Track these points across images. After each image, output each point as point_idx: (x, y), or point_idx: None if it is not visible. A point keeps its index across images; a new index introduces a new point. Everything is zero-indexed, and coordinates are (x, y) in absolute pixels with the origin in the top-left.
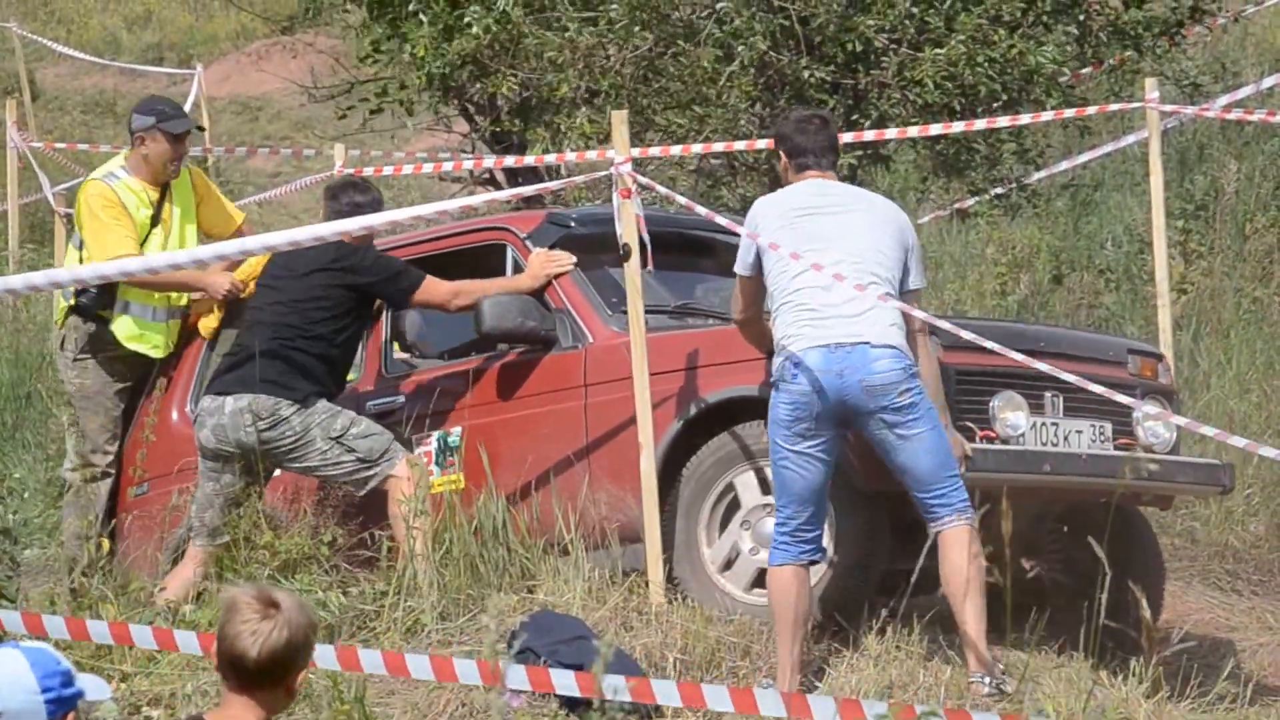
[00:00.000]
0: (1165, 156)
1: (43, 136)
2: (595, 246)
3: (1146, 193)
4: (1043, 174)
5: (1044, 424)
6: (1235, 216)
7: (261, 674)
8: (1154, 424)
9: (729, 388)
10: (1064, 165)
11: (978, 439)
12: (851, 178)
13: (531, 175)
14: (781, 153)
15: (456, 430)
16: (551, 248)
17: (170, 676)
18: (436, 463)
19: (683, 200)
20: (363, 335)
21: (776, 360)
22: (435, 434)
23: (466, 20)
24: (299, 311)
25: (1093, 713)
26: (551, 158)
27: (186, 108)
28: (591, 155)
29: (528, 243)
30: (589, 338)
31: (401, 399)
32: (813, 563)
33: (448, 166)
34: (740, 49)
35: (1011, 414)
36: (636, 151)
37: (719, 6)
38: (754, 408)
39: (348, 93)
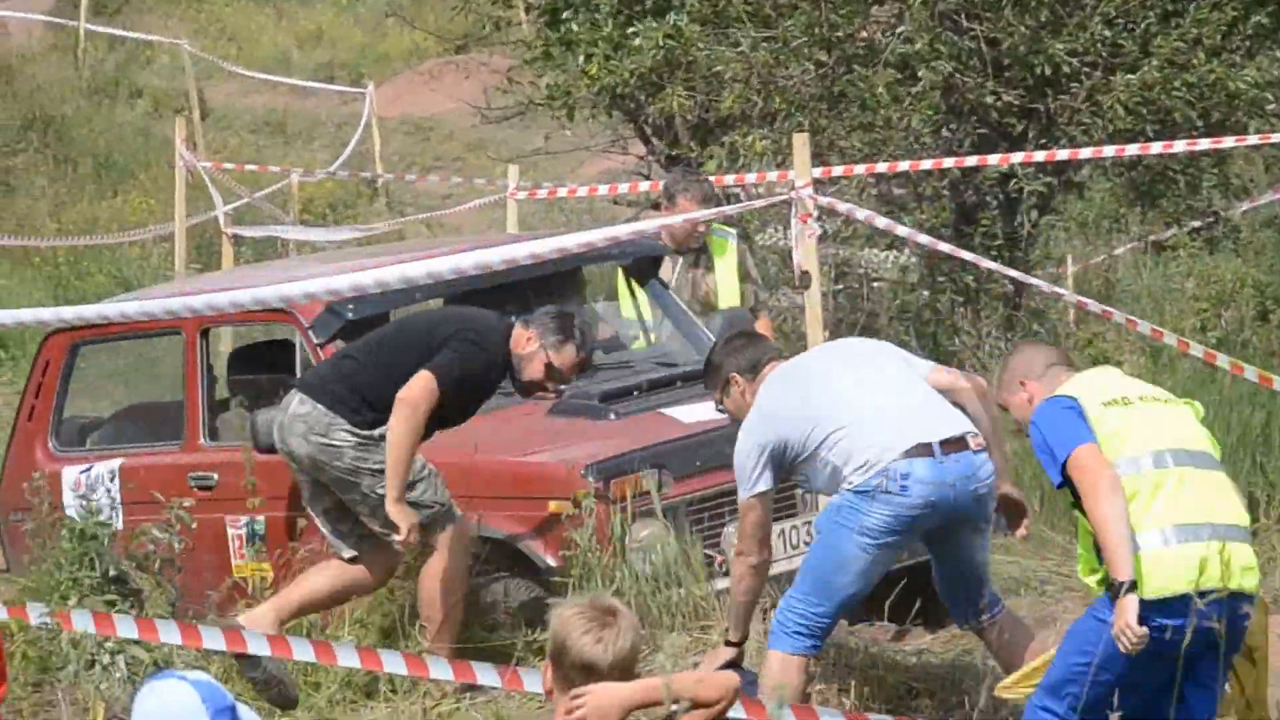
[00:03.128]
0: None
1: (211, 155)
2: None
3: None
4: (1246, 206)
5: (794, 527)
6: None
7: (612, 678)
8: None
9: None
10: (1269, 197)
11: (719, 567)
12: (1044, 207)
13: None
14: (733, 377)
15: (261, 520)
16: (333, 338)
17: (325, 709)
18: (247, 544)
19: (863, 215)
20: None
21: (872, 471)
22: (244, 519)
23: (636, 35)
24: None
25: None
26: (730, 179)
27: (359, 128)
28: (772, 176)
29: (311, 333)
30: None
31: (216, 477)
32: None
33: (623, 189)
34: (923, 71)
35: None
36: (818, 172)
37: (900, 31)
38: None
39: (522, 114)
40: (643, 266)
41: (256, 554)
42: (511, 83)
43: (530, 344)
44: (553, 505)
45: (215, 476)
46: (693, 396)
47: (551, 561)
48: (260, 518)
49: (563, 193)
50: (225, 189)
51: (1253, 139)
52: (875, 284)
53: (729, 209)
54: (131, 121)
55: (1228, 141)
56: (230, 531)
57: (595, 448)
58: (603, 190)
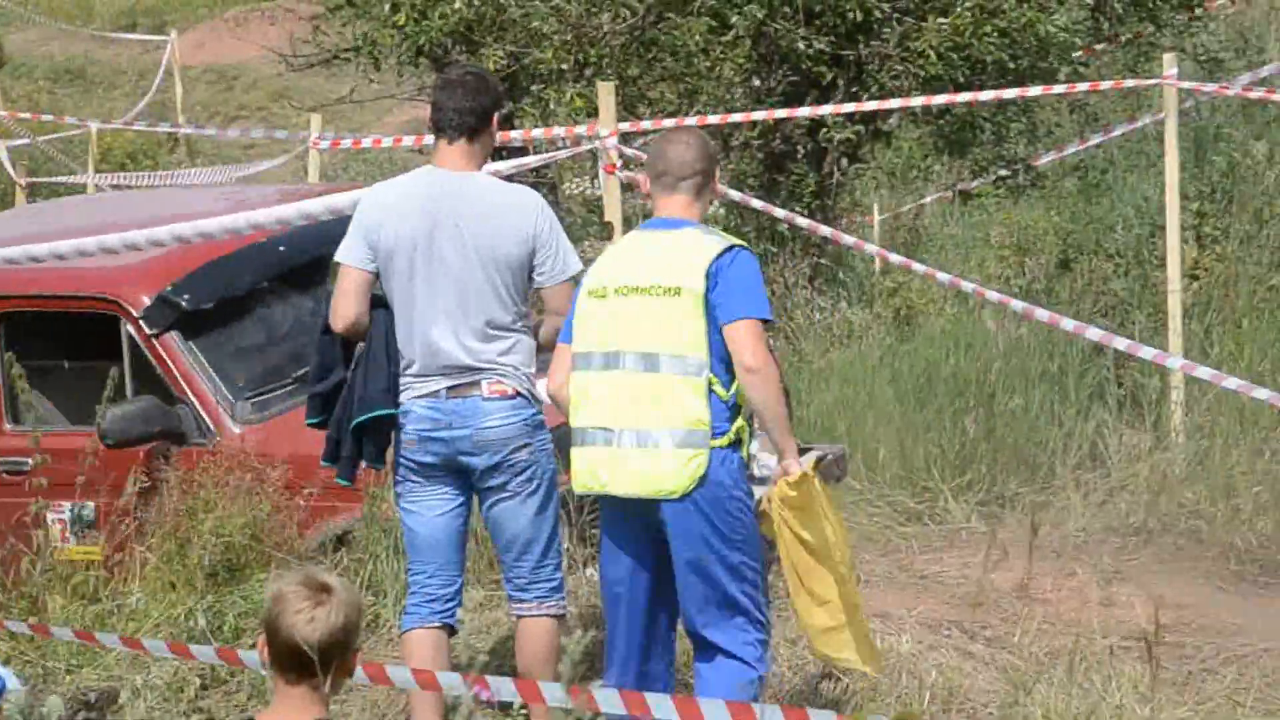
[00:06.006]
0: (1182, 136)
1: (8, 105)
2: (217, 322)
3: (1160, 174)
4: (1051, 156)
5: None
6: (1253, 200)
7: (323, 659)
8: (766, 456)
9: None
10: (1074, 148)
11: None
12: (852, 155)
13: (518, 151)
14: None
15: (91, 506)
16: (168, 328)
17: (114, 666)
18: (71, 532)
19: None
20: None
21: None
22: (68, 504)
23: None
24: None
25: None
26: (539, 133)
27: (158, 76)
28: (581, 130)
29: (143, 324)
30: (215, 434)
31: (31, 462)
32: (446, 625)
33: (429, 139)
34: (735, 18)
35: None
36: (626, 125)
37: None
38: None
39: (328, 63)
40: None
41: (83, 539)
42: (317, 31)
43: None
44: None
45: (29, 462)
46: None
47: None
48: (90, 503)
49: (367, 143)
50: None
51: (1059, 88)
52: None
53: (532, 159)
54: None
55: (1035, 90)
56: (51, 516)
57: None
58: (408, 141)
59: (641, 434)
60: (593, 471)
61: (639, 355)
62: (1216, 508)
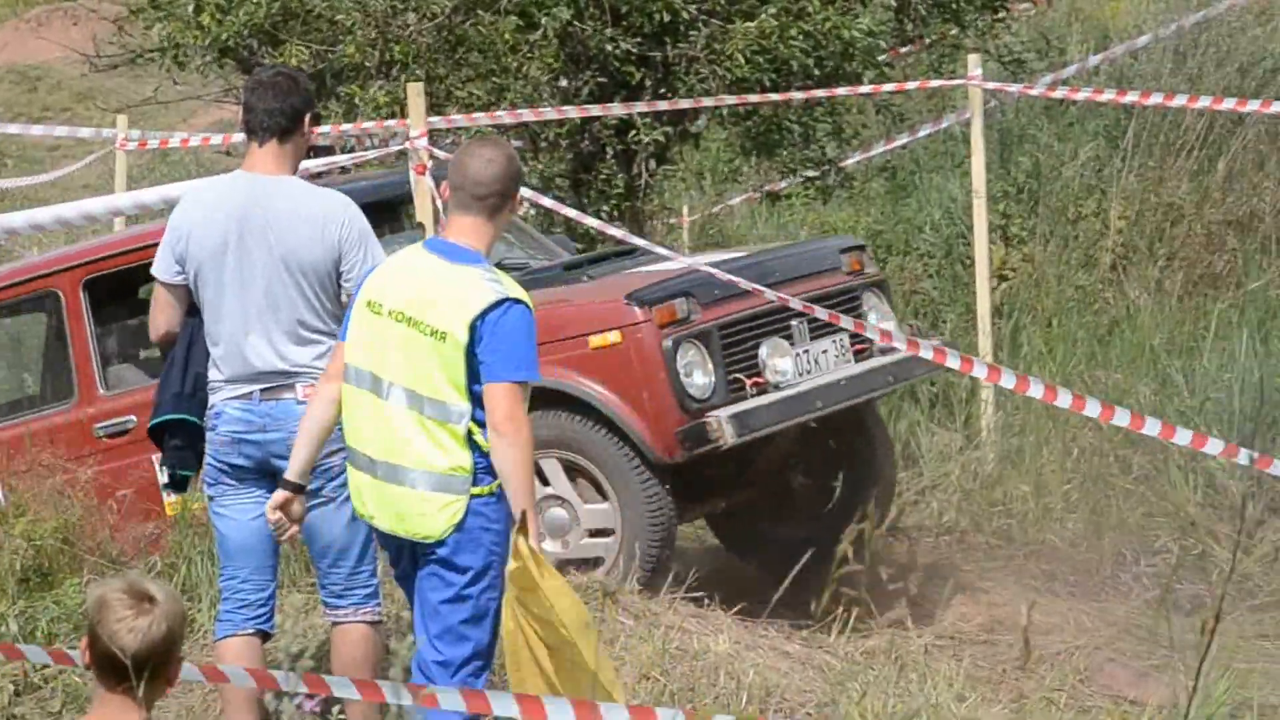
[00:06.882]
0: (987, 137)
1: None
2: None
3: (967, 174)
4: (858, 157)
5: (799, 355)
6: (1059, 200)
7: (142, 669)
8: (886, 325)
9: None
10: (880, 149)
11: (749, 389)
12: (661, 157)
13: (325, 150)
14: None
15: None
16: None
17: None
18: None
19: None
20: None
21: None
22: None
23: None
24: None
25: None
26: (349, 127)
27: None
28: (391, 123)
29: None
30: None
31: (134, 419)
32: (260, 632)
33: (236, 139)
34: (543, 18)
35: (779, 360)
36: (441, 121)
37: None
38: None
39: (132, 63)
40: None
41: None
42: (121, 31)
43: None
44: (593, 340)
45: (134, 418)
46: (639, 264)
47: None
48: None
49: (174, 143)
50: None
51: (865, 89)
52: None
53: (341, 159)
54: None
55: (843, 91)
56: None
57: (618, 286)
58: (215, 140)
59: (399, 471)
60: (361, 499)
61: (404, 390)
62: (1028, 506)
